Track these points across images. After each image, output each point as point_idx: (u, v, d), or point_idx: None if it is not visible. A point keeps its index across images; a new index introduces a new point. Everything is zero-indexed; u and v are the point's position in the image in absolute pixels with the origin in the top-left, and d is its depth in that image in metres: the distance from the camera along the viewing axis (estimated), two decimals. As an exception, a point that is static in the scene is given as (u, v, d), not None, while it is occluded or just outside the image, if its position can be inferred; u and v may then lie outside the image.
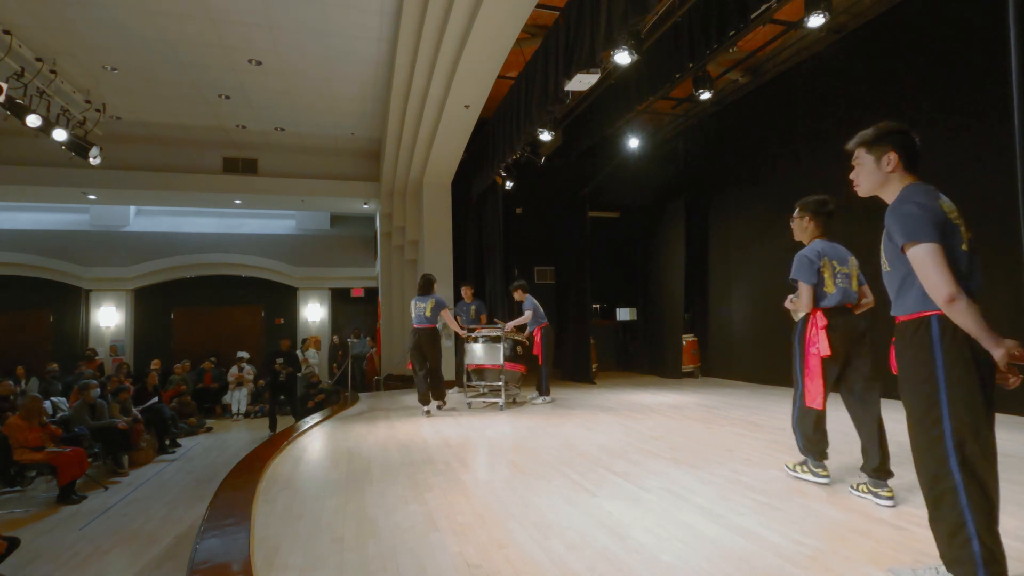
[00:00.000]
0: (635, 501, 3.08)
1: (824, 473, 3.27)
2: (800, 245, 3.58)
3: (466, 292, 8.11)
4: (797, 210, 3.59)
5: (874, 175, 2.04)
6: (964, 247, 1.85)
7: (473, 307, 8.02)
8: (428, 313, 6.60)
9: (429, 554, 2.46)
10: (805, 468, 3.38)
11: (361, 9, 6.65)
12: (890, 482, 2.98)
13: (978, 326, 1.74)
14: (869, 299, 3.30)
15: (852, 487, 3.14)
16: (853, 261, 3.39)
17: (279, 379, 9.95)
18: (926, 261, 1.79)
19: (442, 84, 6.92)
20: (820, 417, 3.22)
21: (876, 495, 2.95)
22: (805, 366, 3.16)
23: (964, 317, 1.75)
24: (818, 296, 3.23)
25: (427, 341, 6.61)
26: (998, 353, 1.72)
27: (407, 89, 7.64)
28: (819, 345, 3.07)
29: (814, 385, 3.09)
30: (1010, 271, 4.48)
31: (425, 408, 6.60)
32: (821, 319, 3.15)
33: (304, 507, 3.23)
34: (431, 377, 6.68)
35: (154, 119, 9.94)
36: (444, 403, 6.89)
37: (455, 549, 2.50)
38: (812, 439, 3.26)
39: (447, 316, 6.74)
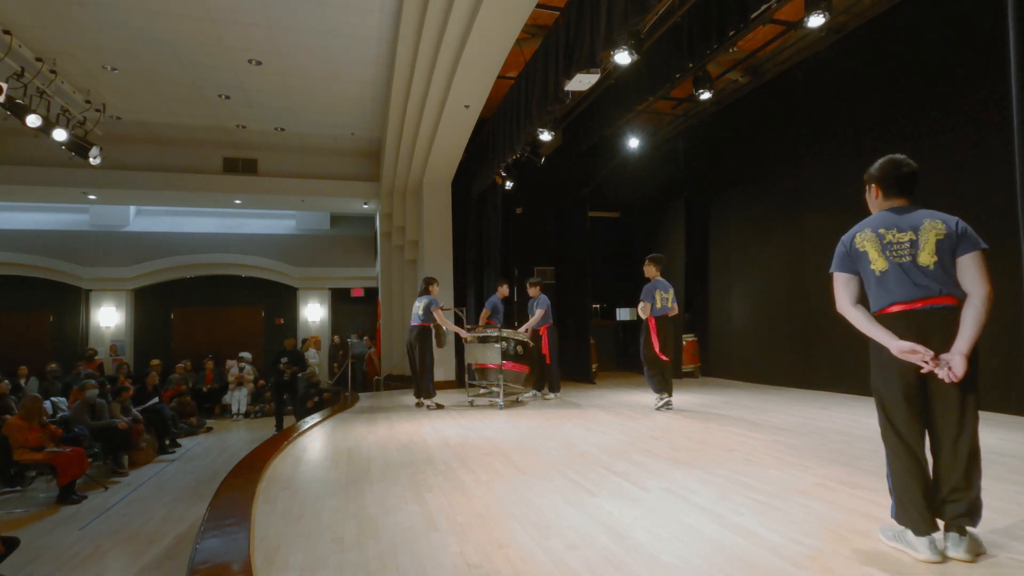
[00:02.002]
0: (635, 501, 3.08)
1: (667, 399, 6.21)
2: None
3: (502, 291, 7.91)
4: (647, 261, 6.38)
5: (869, 202, 2.50)
6: (873, 267, 2.30)
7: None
8: (421, 312, 6.87)
9: (429, 554, 2.46)
10: (659, 400, 6.22)
11: (361, 9, 6.65)
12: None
13: (866, 330, 2.28)
14: (676, 311, 6.25)
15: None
16: (671, 291, 6.22)
17: (283, 379, 9.96)
18: (834, 284, 2.42)
19: (442, 84, 6.92)
20: (665, 368, 6.18)
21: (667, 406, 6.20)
22: (653, 344, 6.12)
23: (853, 323, 2.34)
24: (655, 309, 6.12)
25: (416, 338, 6.86)
26: (893, 348, 2.17)
27: (407, 89, 7.64)
28: (655, 334, 6.12)
29: (657, 350, 6.13)
30: (1010, 269, 4.48)
31: (424, 403, 6.84)
32: (653, 322, 6.14)
33: (304, 507, 3.23)
34: (420, 376, 6.89)
35: (154, 119, 9.94)
36: (427, 403, 6.84)
37: (455, 549, 2.50)
38: (658, 384, 6.21)
39: (438, 315, 6.88)
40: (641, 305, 6.18)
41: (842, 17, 6.59)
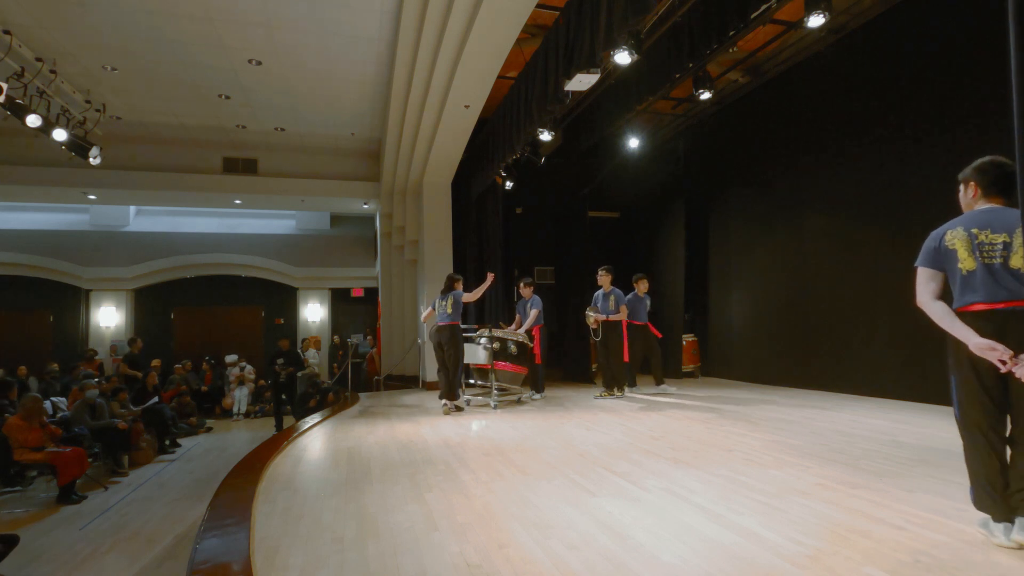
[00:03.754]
0: (635, 501, 3.08)
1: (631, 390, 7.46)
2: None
3: (641, 287, 7.68)
4: (606, 272, 7.32)
5: (963, 201, 2.50)
6: (961, 265, 2.31)
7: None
8: (449, 310, 6.70)
9: (429, 554, 2.46)
10: (618, 391, 7.31)
11: (361, 9, 6.65)
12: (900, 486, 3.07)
13: (946, 325, 2.29)
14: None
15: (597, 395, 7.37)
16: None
17: (279, 380, 9.99)
18: (917, 277, 2.44)
19: (442, 84, 6.92)
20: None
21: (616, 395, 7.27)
22: (625, 345, 7.23)
23: (932, 317, 2.35)
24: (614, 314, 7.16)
25: (446, 338, 6.67)
26: (972, 345, 2.19)
27: (407, 89, 7.64)
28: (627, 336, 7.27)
29: (627, 352, 7.29)
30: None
31: (443, 403, 6.65)
32: (627, 324, 7.27)
33: (304, 507, 3.23)
34: (445, 374, 6.71)
35: (154, 119, 9.94)
36: (449, 404, 6.71)
37: (455, 549, 2.50)
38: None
39: (464, 298, 6.78)
40: (623, 309, 7.20)
41: (842, 17, 6.58)
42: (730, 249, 9.19)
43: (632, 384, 7.64)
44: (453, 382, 6.71)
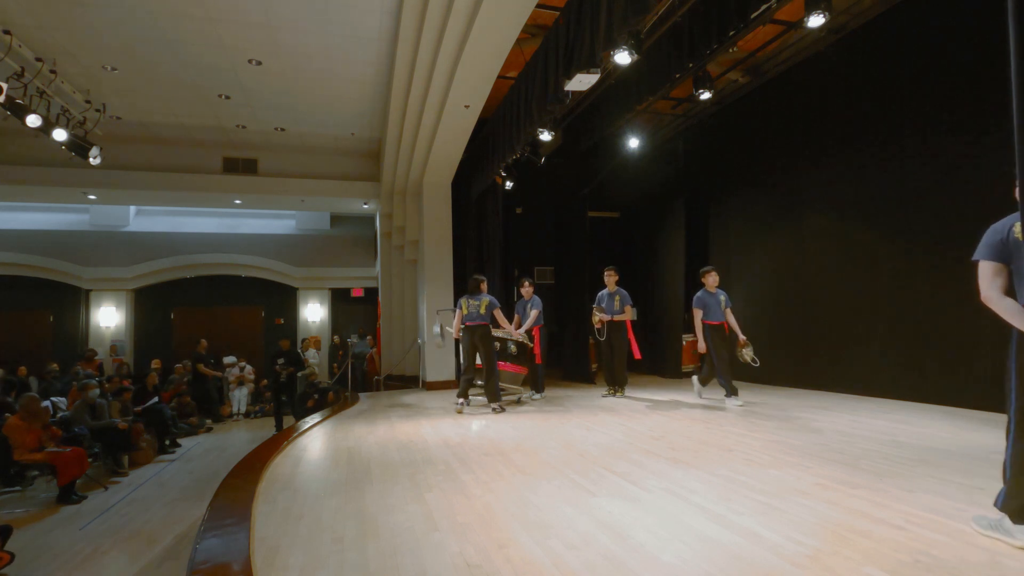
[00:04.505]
0: (635, 501, 3.08)
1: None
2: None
3: (710, 280, 6.73)
4: (613, 271, 7.44)
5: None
6: None
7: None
8: (483, 311, 6.67)
9: (429, 554, 2.46)
10: (619, 392, 7.47)
11: (361, 9, 6.65)
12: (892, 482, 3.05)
13: (1016, 321, 2.19)
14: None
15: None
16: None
17: (280, 380, 10.01)
18: (978, 272, 2.35)
19: (442, 84, 6.92)
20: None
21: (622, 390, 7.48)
22: (633, 345, 7.47)
23: (1000, 314, 2.25)
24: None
25: (483, 338, 6.63)
26: None
27: (407, 89, 7.65)
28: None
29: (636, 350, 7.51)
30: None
31: (459, 402, 6.55)
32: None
33: (304, 507, 3.23)
34: (488, 376, 6.61)
35: (154, 119, 9.94)
36: (494, 406, 6.52)
37: (455, 549, 2.50)
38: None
39: (499, 315, 6.75)
40: (628, 309, 7.34)
41: (842, 17, 6.58)
42: (730, 249, 9.19)
43: (733, 392, 6.47)
44: (496, 383, 6.62)
